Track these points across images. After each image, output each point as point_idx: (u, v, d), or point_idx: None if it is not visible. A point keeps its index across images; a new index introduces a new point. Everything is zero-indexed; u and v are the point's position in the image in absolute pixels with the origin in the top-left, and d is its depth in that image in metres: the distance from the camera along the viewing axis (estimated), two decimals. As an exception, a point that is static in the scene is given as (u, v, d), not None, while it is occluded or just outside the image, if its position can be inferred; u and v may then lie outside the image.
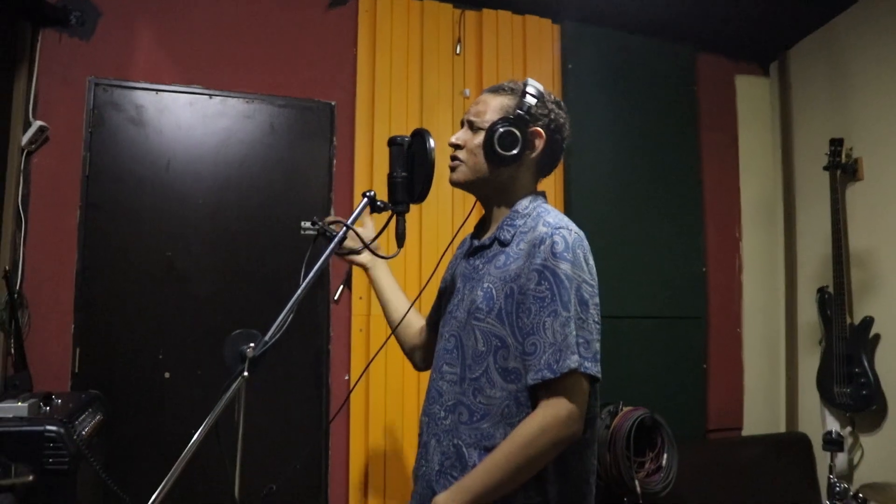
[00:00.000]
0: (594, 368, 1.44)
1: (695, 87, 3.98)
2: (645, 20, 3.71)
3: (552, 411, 1.40)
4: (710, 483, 3.41)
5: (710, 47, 4.08)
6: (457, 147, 1.66)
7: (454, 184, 1.68)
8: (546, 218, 1.55)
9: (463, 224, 1.85)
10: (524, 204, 1.63)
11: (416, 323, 1.96)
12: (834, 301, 3.38)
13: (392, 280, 1.95)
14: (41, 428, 1.89)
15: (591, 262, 1.53)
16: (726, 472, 3.49)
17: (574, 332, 1.42)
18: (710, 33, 3.92)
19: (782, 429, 3.96)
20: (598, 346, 1.48)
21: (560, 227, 1.51)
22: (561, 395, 1.41)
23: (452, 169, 1.67)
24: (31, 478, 1.67)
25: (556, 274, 1.45)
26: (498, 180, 1.64)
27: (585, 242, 1.54)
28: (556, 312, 1.43)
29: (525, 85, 1.63)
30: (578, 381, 1.42)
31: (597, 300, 1.51)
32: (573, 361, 1.40)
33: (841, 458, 3.36)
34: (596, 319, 1.49)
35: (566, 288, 1.44)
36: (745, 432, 3.93)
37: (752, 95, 4.20)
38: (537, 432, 1.40)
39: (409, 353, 1.99)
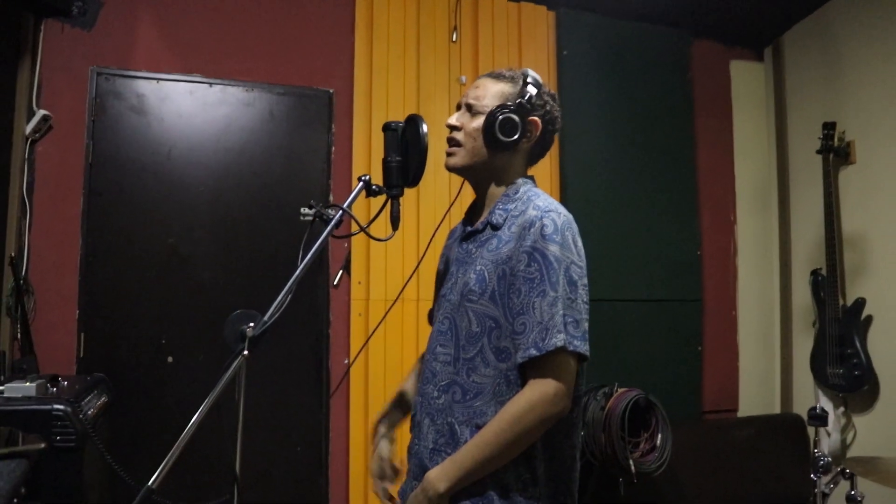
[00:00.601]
0: (583, 347, 1.47)
1: (689, 72, 4.00)
2: (639, 7, 3.73)
3: (540, 389, 1.44)
4: (705, 463, 3.47)
5: (704, 33, 4.10)
6: (454, 129, 1.67)
7: (451, 169, 1.69)
8: (536, 201, 1.58)
9: (451, 205, 1.87)
10: (515, 188, 1.67)
11: None
12: (827, 283, 3.41)
13: (403, 408, 1.89)
14: (49, 407, 1.94)
15: (580, 244, 1.56)
16: (721, 452, 3.54)
17: (561, 312, 1.46)
18: (704, 19, 3.93)
19: (777, 410, 4.01)
20: (586, 325, 1.51)
21: (549, 211, 1.54)
22: (549, 373, 1.44)
23: (450, 154, 1.68)
24: (42, 445, 1.72)
25: (546, 255, 1.49)
26: (493, 165, 1.67)
27: (574, 225, 1.57)
28: (545, 293, 1.47)
29: (525, 75, 1.65)
30: (566, 360, 1.46)
31: (585, 281, 1.54)
32: (559, 340, 1.43)
33: (834, 438, 3.41)
34: (585, 300, 1.52)
35: (555, 269, 1.48)
36: (741, 413, 3.98)
37: (747, 80, 4.22)
38: (525, 409, 1.43)
39: None
